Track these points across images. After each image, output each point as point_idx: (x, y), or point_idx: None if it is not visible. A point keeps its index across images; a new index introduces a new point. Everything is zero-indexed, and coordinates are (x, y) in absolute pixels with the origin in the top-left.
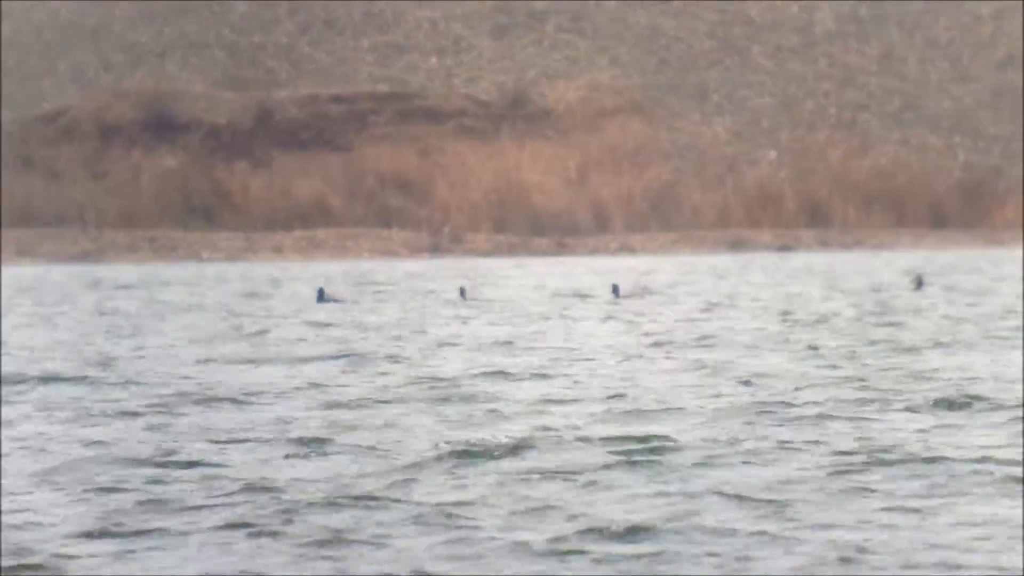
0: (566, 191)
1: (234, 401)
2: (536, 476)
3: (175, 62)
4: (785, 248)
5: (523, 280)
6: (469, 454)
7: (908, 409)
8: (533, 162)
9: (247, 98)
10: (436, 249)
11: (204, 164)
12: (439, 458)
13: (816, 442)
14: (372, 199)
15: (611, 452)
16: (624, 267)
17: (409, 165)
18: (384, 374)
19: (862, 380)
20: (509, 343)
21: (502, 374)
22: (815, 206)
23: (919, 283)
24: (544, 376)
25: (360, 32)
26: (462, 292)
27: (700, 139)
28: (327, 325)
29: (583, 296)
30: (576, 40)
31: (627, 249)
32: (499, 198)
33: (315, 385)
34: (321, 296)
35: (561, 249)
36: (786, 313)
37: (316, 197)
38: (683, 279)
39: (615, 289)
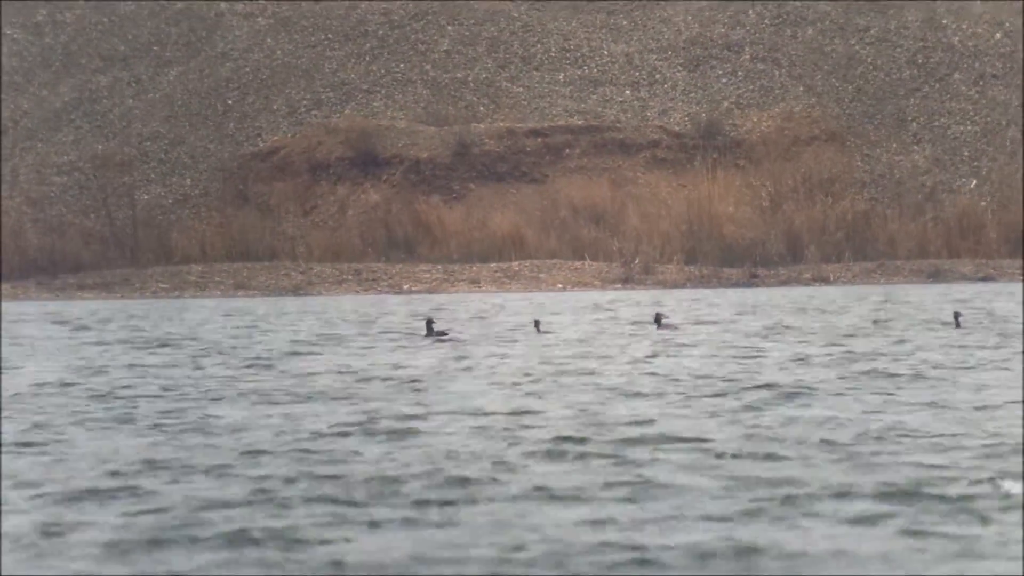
0: (758, 221)
1: None
2: None
3: (380, 99)
4: (987, 278)
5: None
6: None
7: None
8: (725, 192)
9: (447, 133)
10: (628, 280)
11: (405, 198)
12: None
13: None
14: (565, 230)
15: None
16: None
17: (602, 196)
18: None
19: None
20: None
21: None
22: (1018, 236)
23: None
24: None
25: (556, 67)
26: (536, 325)
27: (897, 168)
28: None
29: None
30: (771, 70)
31: (821, 279)
32: (690, 229)
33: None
34: (430, 330)
35: (753, 280)
36: None
37: (511, 229)
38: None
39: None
